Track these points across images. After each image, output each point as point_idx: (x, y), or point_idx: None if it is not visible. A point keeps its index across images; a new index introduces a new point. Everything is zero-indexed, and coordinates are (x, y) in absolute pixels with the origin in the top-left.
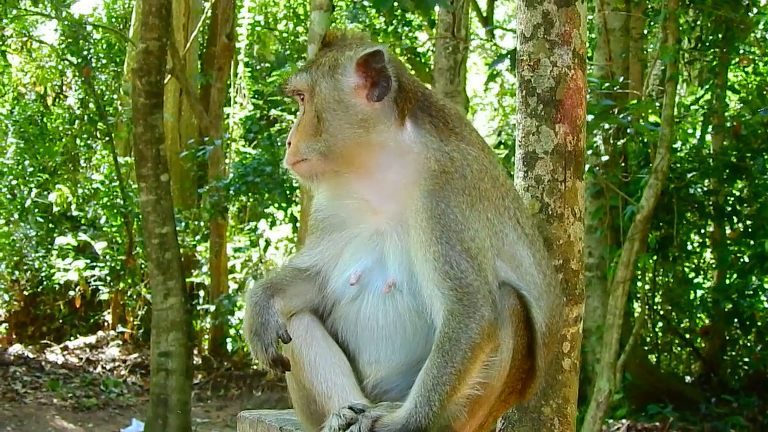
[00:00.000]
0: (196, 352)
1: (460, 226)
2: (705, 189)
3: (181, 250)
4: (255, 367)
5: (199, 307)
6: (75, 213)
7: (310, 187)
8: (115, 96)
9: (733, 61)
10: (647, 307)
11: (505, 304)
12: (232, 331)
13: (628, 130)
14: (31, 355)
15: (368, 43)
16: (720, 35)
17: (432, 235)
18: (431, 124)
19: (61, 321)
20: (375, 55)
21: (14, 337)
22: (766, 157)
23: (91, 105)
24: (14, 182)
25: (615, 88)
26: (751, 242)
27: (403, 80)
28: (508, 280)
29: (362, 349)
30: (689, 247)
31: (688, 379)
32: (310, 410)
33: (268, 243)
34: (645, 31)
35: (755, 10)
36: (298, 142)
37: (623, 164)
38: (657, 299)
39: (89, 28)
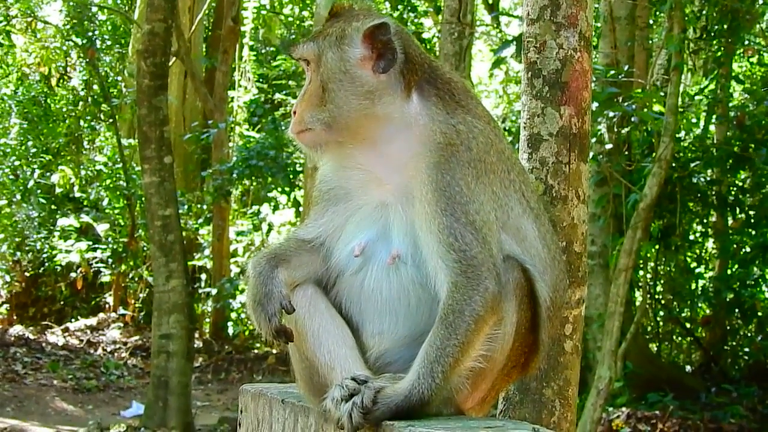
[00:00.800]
0: (197, 335)
1: (466, 198)
2: (708, 179)
3: (184, 233)
4: (256, 350)
5: (200, 291)
6: (78, 194)
7: (314, 157)
8: (120, 78)
9: (738, 52)
10: (649, 295)
11: (509, 277)
12: (233, 315)
13: (633, 119)
14: (31, 336)
15: (376, 14)
16: (725, 25)
17: (437, 207)
18: (437, 96)
19: (62, 302)
20: (381, 27)
21: (15, 318)
22: None
23: (95, 86)
24: (17, 163)
25: (620, 77)
26: (753, 232)
27: (410, 52)
28: (512, 254)
29: (366, 321)
30: (691, 237)
31: (688, 368)
32: (313, 382)
33: (270, 227)
34: (651, 20)
35: (761, 1)
36: (303, 112)
37: (627, 152)
38: (658, 288)
39: (94, 9)
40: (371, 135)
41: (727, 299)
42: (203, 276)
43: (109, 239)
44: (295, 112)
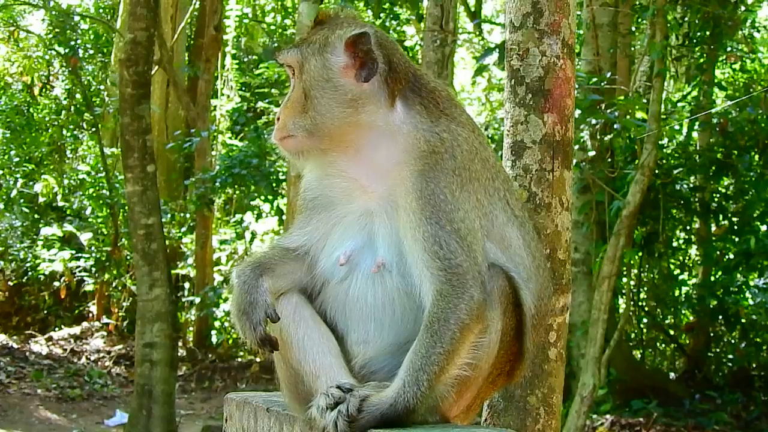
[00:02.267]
0: (180, 343)
1: (450, 206)
2: (691, 185)
3: (167, 242)
4: (240, 359)
5: (184, 299)
6: (61, 203)
7: (297, 164)
8: (102, 87)
9: (721, 58)
10: (632, 302)
11: (494, 285)
12: (216, 324)
13: (615, 126)
14: (15, 346)
15: (360, 23)
16: (708, 32)
17: (422, 215)
18: (421, 105)
19: (45, 312)
20: (362, 36)
21: None
22: (752, 154)
23: (78, 95)
24: (0, 172)
25: (602, 84)
26: (737, 239)
27: (393, 60)
28: (497, 262)
29: (351, 329)
30: (675, 244)
31: (672, 375)
32: (298, 390)
33: (254, 235)
34: (633, 27)
35: (743, 8)
36: (285, 118)
37: (610, 160)
38: (642, 295)
39: (77, 18)
40: (355, 143)
41: (711, 306)
42: (186, 285)
43: (93, 248)
44: (278, 119)
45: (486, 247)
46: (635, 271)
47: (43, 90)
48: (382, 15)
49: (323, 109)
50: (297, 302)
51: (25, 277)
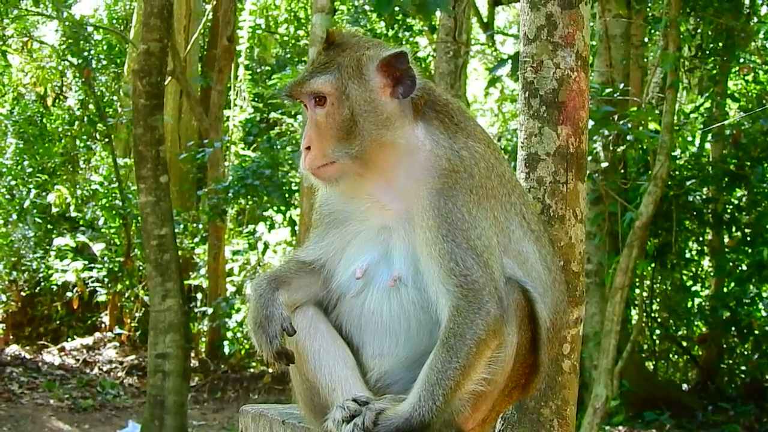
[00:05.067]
0: (193, 354)
1: (467, 224)
2: (704, 197)
3: (180, 253)
4: (252, 370)
5: (196, 310)
6: (74, 214)
7: (330, 189)
8: (115, 97)
9: (734, 70)
10: (645, 314)
11: (510, 299)
12: (229, 334)
13: (628, 137)
14: (28, 356)
15: (376, 41)
16: (720, 43)
17: (438, 233)
18: (438, 120)
19: (58, 322)
20: (400, 56)
21: (11, 337)
22: (765, 165)
23: (91, 106)
24: (13, 183)
25: (615, 95)
26: (750, 250)
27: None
28: (513, 276)
29: (366, 343)
30: (687, 255)
31: (685, 386)
32: (314, 403)
33: (266, 246)
34: (646, 39)
35: (756, 19)
36: (323, 146)
37: (622, 171)
38: (655, 306)
39: (90, 29)
40: (381, 162)
41: (724, 317)
42: (199, 295)
43: (105, 259)
44: (307, 148)
45: (503, 262)
46: (648, 282)
47: (57, 100)
48: (395, 26)
49: (366, 132)
50: (313, 315)
51: (38, 288)
